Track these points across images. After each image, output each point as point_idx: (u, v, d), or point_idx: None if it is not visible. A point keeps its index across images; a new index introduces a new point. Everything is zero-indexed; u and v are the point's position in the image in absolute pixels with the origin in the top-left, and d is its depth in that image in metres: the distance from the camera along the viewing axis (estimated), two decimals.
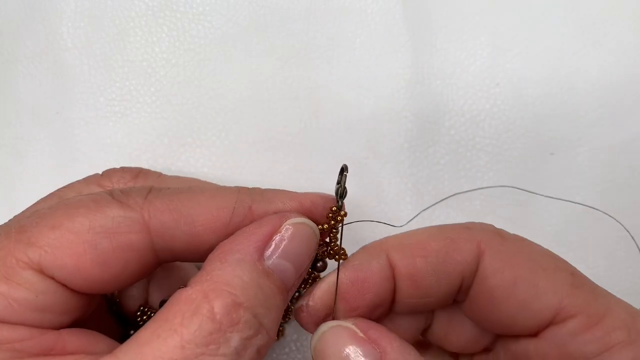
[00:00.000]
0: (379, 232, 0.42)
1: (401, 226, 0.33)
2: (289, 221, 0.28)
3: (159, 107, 0.42)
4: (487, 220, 0.41)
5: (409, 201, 0.42)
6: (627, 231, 0.36)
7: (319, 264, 0.31)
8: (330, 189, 0.42)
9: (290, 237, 0.28)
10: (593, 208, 0.39)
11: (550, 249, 0.31)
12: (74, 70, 0.43)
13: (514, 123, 0.41)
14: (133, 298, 0.35)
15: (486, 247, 0.29)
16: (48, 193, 0.34)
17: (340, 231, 0.31)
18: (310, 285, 0.31)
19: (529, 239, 0.34)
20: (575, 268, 0.29)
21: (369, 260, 0.30)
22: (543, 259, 0.29)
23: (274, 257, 0.27)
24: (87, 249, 0.26)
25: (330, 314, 0.30)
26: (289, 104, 0.42)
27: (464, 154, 0.42)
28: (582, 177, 0.41)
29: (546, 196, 0.40)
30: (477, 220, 0.41)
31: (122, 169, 0.35)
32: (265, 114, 0.42)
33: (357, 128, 0.42)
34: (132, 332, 0.33)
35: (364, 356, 0.27)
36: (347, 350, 0.28)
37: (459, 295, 0.31)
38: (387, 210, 0.42)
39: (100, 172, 0.35)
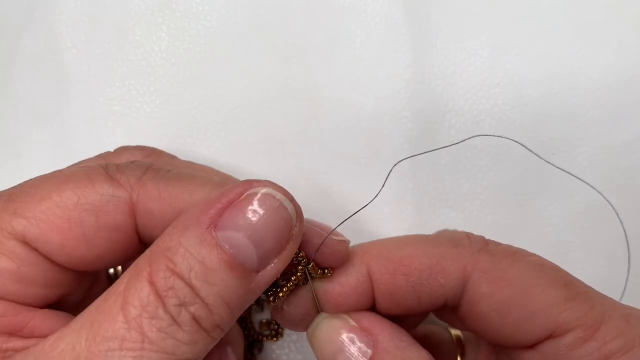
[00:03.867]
0: (379, 232, 0.42)
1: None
2: (252, 190, 0.25)
3: (159, 107, 0.42)
4: (487, 220, 0.41)
5: (409, 201, 0.42)
6: (620, 222, 0.36)
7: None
8: (330, 189, 0.42)
9: (247, 207, 0.25)
10: (595, 189, 0.38)
11: (550, 249, 0.31)
12: (74, 70, 0.43)
13: (514, 123, 0.41)
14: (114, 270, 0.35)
15: (473, 269, 0.28)
16: None
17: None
18: (288, 287, 0.29)
19: (528, 238, 0.33)
20: (568, 275, 0.28)
21: (348, 272, 0.29)
22: (534, 273, 0.27)
23: (225, 228, 0.24)
24: (73, 225, 0.26)
25: (310, 314, 0.30)
26: (289, 104, 0.42)
27: (464, 154, 0.42)
28: (583, 177, 0.41)
29: (552, 164, 0.39)
30: (477, 220, 0.42)
31: (136, 147, 0.35)
32: (265, 114, 0.42)
33: (357, 128, 0.42)
34: None
35: (357, 344, 0.27)
36: (341, 338, 0.28)
37: (445, 308, 0.30)
38: (387, 210, 0.42)
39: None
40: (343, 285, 0.29)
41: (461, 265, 0.28)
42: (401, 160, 0.33)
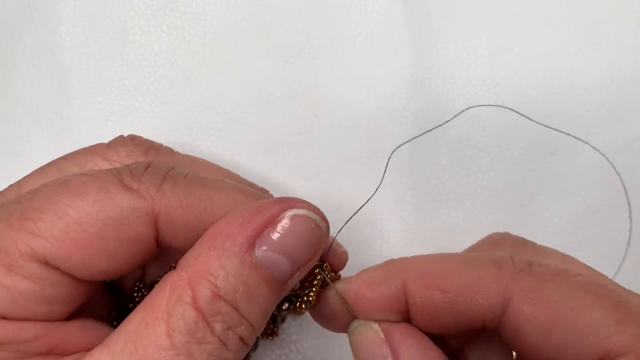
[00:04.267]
0: (379, 232, 0.42)
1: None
2: (290, 212, 0.26)
3: (158, 107, 0.42)
4: (487, 220, 0.41)
5: (409, 201, 0.42)
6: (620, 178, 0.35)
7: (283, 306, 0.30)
8: (330, 189, 0.42)
9: (287, 229, 0.26)
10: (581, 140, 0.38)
11: (551, 248, 0.30)
12: (73, 70, 0.42)
13: (514, 123, 0.41)
14: (130, 273, 0.33)
15: (515, 290, 0.26)
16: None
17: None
18: (314, 292, 0.30)
19: (528, 238, 0.33)
20: (620, 294, 0.26)
21: (381, 281, 0.28)
22: (581, 293, 0.26)
23: (265, 249, 0.25)
24: (94, 240, 0.25)
25: (340, 315, 0.30)
26: (289, 104, 0.42)
27: (465, 154, 0.42)
28: (583, 177, 0.41)
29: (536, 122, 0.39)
30: (477, 220, 0.42)
31: (133, 140, 0.33)
32: (265, 113, 0.42)
33: (357, 128, 0.42)
34: (130, 305, 0.33)
35: (381, 359, 0.27)
36: (367, 350, 0.28)
37: (485, 331, 0.28)
38: (387, 211, 0.42)
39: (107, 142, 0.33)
40: (375, 292, 0.28)
41: (502, 286, 0.26)
42: (400, 146, 0.32)
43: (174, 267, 0.26)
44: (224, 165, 0.42)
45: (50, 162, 0.32)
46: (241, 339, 0.25)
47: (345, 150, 0.42)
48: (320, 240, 0.27)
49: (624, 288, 0.28)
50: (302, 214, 0.26)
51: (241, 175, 0.38)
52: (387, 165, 0.32)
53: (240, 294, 0.24)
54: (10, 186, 0.30)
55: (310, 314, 0.31)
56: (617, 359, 0.24)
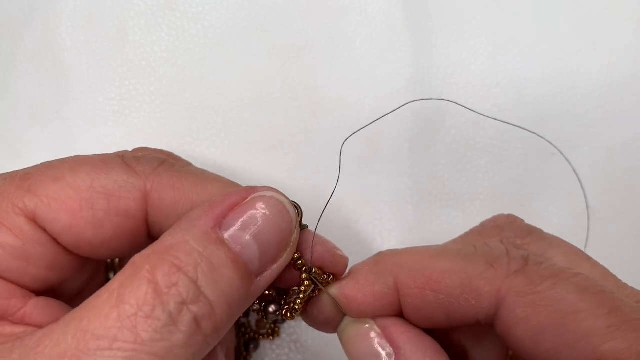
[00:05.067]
0: (379, 232, 0.42)
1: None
2: (257, 194, 0.26)
3: (158, 107, 0.42)
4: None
5: (409, 201, 0.42)
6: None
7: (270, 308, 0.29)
8: (330, 189, 0.42)
9: (252, 209, 0.25)
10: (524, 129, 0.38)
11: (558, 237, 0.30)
12: (73, 70, 0.42)
13: (514, 123, 0.41)
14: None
15: (508, 292, 0.25)
16: None
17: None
18: (301, 299, 0.29)
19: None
20: (617, 299, 0.25)
21: (373, 283, 0.28)
22: (576, 297, 0.25)
23: (231, 228, 0.25)
24: (84, 206, 0.26)
25: (334, 317, 0.29)
26: (289, 104, 0.42)
27: (464, 154, 0.42)
28: (583, 177, 0.41)
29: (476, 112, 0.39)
30: (477, 221, 0.42)
31: (154, 150, 0.35)
32: (265, 113, 0.42)
33: (357, 128, 0.42)
34: None
35: (380, 353, 0.27)
36: (365, 345, 0.27)
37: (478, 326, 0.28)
38: (387, 210, 0.42)
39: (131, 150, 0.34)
40: (366, 294, 0.28)
41: (495, 287, 0.26)
42: (349, 137, 0.32)
43: None
44: (224, 165, 0.42)
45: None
46: (196, 319, 0.23)
47: (345, 150, 0.42)
48: (289, 226, 0.27)
49: (625, 286, 0.27)
50: (268, 195, 0.26)
51: (241, 175, 0.38)
52: (340, 156, 0.32)
53: (201, 269, 0.23)
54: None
55: (303, 318, 0.31)
56: None
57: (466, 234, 0.34)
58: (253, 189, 0.26)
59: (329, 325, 0.30)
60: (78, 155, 0.28)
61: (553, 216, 0.41)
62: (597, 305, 0.24)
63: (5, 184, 0.26)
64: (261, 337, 0.39)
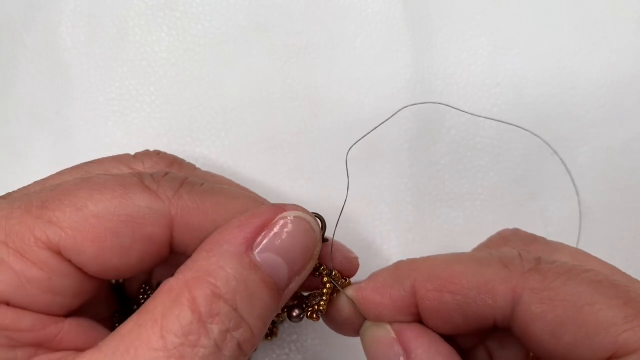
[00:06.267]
0: (379, 232, 0.42)
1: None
2: (284, 214, 0.27)
3: (159, 107, 0.42)
4: (487, 220, 0.41)
5: (409, 201, 0.42)
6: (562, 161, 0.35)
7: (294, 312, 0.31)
8: (329, 190, 0.42)
9: (282, 230, 0.26)
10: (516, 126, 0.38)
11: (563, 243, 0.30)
12: (73, 70, 0.42)
13: (514, 123, 0.41)
14: (137, 275, 0.34)
15: (523, 290, 0.26)
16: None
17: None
18: (324, 301, 0.30)
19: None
20: (631, 291, 0.25)
21: (391, 285, 0.29)
22: (590, 291, 0.25)
23: (263, 250, 0.26)
24: (109, 235, 0.25)
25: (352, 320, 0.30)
26: (289, 104, 0.42)
27: (464, 154, 0.42)
28: (583, 177, 0.41)
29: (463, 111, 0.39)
30: (477, 221, 0.42)
31: (157, 154, 0.34)
32: (265, 113, 0.42)
33: (357, 128, 0.42)
34: (135, 307, 0.33)
35: (389, 358, 0.28)
36: (379, 349, 0.28)
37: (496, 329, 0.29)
38: (387, 211, 0.42)
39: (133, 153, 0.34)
40: (384, 296, 0.29)
41: (511, 286, 0.26)
42: (355, 143, 0.33)
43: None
44: (224, 165, 0.42)
45: (77, 164, 0.32)
46: (239, 344, 0.24)
47: (345, 150, 0.42)
48: (314, 243, 0.28)
49: (636, 280, 0.28)
50: (295, 215, 0.27)
51: (241, 175, 0.38)
52: (346, 163, 0.33)
53: (240, 295, 0.24)
54: (34, 182, 0.31)
55: (323, 320, 0.32)
56: (627, 356, 0.24)
57: (475, 248, 0.35)
58: (280, 208, 0.27)
59: (350, 327, 0.31)
60: (92, 177, 0.27)
61: (553, 216, 0.41)
62: (612, 297, 0.25)
63: (22, 214, 0.25)
64: None
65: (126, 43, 0.42)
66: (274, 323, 0.38)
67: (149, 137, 0.42)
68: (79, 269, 0.26)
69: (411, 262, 0.30)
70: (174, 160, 0.34)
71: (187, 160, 0.40)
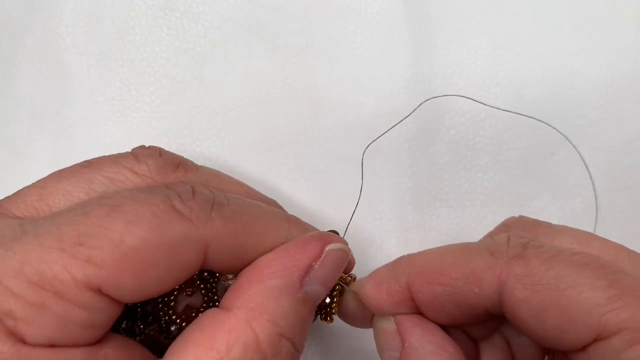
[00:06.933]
0: (379, 232, 0.42)
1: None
2: (330, 247, 0.28)
3: (159, 107, 0.42)
4: (487, 220, 0.41)
5: (409, 201, 0.42)
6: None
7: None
8: (330, 189, 0.42)
9: (329, 264, 0.28)
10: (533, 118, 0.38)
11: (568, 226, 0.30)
12: (73, 70, 0.42)
13: (514, 123, 0.41)
14: None
15: (507, 276, 0.27)
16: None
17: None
18: (335, 303, 0.32)
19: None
20: (618, 272, 0.26)
21: (387, 281, 0.30)
22: (575, 274, 0.25)
23: (312, 284, 0.27)
24: (146, 268, 0.25)
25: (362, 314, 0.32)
26: (289, 104, 0.42)
27: (464, 154, 0.42)
28: (583, 177, 0.41)
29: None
30: (477, 221, 0.42)
31: (160, 153, 0.33)
32: (265, 114, 0.42)
33: (357, 128, 0.42)
34: (150, 319, 0.31)
35: (390, 345, 0.29)
36: (381, 339, 0.30)
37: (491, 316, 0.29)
38: (387, 210, 0.42)
39: (131, 152, 0.32)
40: (381, 291, 0.30)
41: (496, 274, 0.27)
42: (370, 144, 0.34)
43: (219, 307, 0.26)
44: (224, 165, 0.42)
45: (72, 167, 0.30)
46: None
47: (345, 150, 0.42)
48: (346, 264, 0.30)
49: (635, 255, 0.28)
50: (338, 248, 0.29)
51: (241, 175, 0.38)
52: (362, 164, 0.34)
53: (297, 330, 0.26)
54: (29, 187, 0.29)
55: (339, 317, 0.33)
56: (612, 336, 0.24)
57: (481, 238, 0.36)
58: (326, 240, 0.29)
59: (361, 321, 0.32)
60: (120, 204, 0.25)
61: (553, 215, 0.41)
62: (597, 279, 0.25)
63: (57, 253, 0.24)
64: None
65: (126, 43, 0.42)
66: None
67: (149, 137, 0.42)
68: (117, 300, 0.25)
69: (409, 257, 0.31)
70: (179, 163, 0.33)
71: (212, 169, 0.39)
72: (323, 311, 0.32)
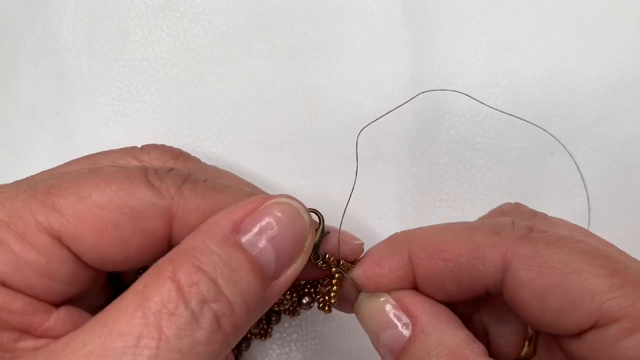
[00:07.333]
0: (379, 232, 0.42)
1: None
2: (272, 200, 0.27)
3: (159, 107, 0.42)
4: None
5: (409, 201, 0.42)
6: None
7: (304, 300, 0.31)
8: (329, 190, 0.42)
9: (269, 214, 0.26)
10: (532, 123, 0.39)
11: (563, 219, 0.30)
12: (74, 70, 0.43)
13: (514, 123, 0.41)
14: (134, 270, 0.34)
15: (513, 256, 0.27)
16: None
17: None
18: (335, 291, 0.31)
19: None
20: (619, 262, 0.26)
21: (388, 256, 0.29)
22: (579, 260, 0.26)
23: (248, 232, 0.26)
24: (110, 226, 0.26)
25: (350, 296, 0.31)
26: (289, 104, 0.42)
27: (464, 154, 0.42)
28: (583, 177, 0.41)
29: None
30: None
31: (163, 147, 0.34)
32: (265, 114, 0.42)
33: (357, 128, 0.42)
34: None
35: (397, 323, 0.28)
36: (383, 317, 0.29)
37: (489, 295, 0.29)
38: (387, 210, 0.42)
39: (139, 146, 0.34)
40: (383, 266, 0.29)
41: (501, 253, 0.27)
42: (364, 127, 0.33)
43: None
44: (224, 165, 0.42)
45: (86, 155, 0.33)
46: (217, 318, 0.24)
47: (345, 150, 0.42)
48: (304, 232, 0.28)
49: (628, 255, 0.28)
50: (283, 201, 0.27)
51: (241, 175, 0.38)
52: (356, 146, 0.33)
53: (220, 270, 0.24)
54: (43, 171, 0.31)
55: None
56: (611, 324, 0.25)
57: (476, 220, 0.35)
58: (269, 197, 0.27)
59: (345, 304, 0.31)
60: (99, 168, 0.28)
61: (552, 215, 0.41)
62: (600, 266, 0.25)
63: (27, 197, 0.26)
64: (253, 337, 0.39)
65: (127, 43, 0.43)
66: (269, 323, 0.38)
67: (150, 137, 0.42)
68: (77, 257, 0.26)
69: (406, 233, 0.30)
70: (179, 154, 0.34)
71: (211, 165, 0.39)
72: (321, 299, 0.31)
